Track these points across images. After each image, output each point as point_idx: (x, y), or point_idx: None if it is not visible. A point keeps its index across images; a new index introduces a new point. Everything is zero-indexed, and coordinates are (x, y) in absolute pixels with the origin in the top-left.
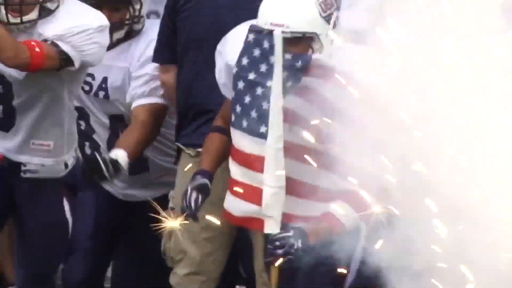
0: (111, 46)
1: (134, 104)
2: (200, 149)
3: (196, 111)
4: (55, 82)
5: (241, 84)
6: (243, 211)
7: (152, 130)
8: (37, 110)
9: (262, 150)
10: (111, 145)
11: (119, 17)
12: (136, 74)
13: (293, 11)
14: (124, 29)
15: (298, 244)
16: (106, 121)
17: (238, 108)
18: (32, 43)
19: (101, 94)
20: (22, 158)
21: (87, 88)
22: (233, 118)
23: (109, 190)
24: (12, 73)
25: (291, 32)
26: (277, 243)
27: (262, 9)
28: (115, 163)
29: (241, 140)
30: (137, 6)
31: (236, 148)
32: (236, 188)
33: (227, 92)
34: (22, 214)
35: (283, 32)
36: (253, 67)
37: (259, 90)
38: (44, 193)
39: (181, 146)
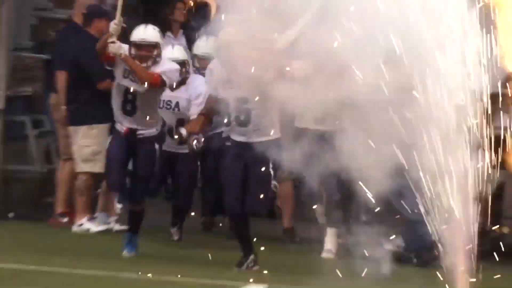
0: (175, 87)
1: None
2: None
3: None
4: (156, 91)
5: None
6: None
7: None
8: (146, 101)
9: None
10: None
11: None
12: (195, 101)
13: None
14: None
15: None
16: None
17: None
18: (154, 74)
19: (176, 110)
20: (141, 130)
21: (168, 107)
22: None
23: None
24: (139, 89)
25: None
26: None
27: None
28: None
29: None
30: (188, 67)
31: None
32: None
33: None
34: (137, 154)
35: None
36: None
37: None
38: (147, 143)
39: None
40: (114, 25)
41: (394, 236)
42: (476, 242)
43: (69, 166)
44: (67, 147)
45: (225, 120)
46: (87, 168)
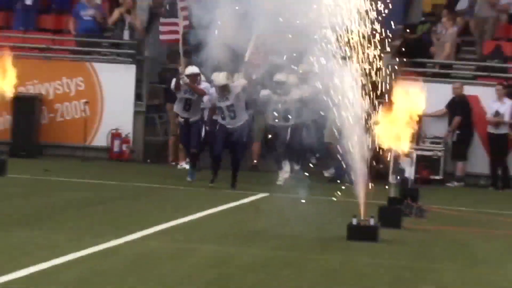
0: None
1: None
2: None
3: None
4: (200, 98)
5: None
6: None
7: None
8: (195, 103)
9: None
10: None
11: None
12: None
13: None
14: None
15: None
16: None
17: None
18: (201, 90)
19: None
20: (191, 118)
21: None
22: None
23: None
24: (191, 97)
25: None
26: None
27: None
28: None
29: None
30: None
31: None
32: None
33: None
34: (191, 130)
35: None
36: None
37: None
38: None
39: None
40: (180, 69)
41: (329, 167)
42: (368, 170)
43: (175, 138)
44: (174, 129)
45: (222, 115)
46: None
